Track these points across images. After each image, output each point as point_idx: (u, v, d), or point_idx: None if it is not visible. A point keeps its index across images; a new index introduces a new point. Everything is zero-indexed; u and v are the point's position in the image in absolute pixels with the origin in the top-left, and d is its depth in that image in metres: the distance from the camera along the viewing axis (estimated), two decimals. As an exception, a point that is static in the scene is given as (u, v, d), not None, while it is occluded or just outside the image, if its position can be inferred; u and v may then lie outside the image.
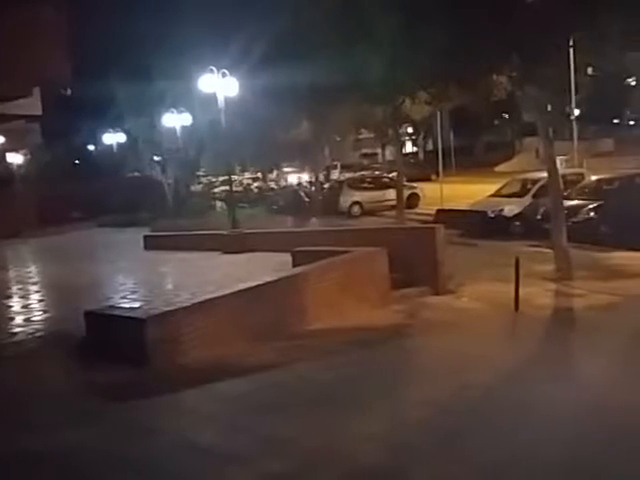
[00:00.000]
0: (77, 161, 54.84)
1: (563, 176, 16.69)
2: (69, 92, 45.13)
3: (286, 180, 49.16)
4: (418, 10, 13.96)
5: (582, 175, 23.02)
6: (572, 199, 18.60)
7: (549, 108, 15.87)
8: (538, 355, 9.01)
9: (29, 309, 13.51)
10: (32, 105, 16.32)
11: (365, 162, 59.21)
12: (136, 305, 12.05)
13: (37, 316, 12.51)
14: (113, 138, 44.47)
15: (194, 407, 7.60)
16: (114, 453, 6.38)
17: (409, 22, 14.38)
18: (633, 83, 49.04)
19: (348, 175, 40.47)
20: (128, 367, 8.49)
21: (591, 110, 46.85)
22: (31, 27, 12.93)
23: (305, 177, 37.91)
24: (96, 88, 35.34)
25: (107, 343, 9.29)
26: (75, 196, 40.61)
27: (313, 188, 35.00)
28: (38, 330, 11.19)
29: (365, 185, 33.10)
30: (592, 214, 18.19)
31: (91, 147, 55.93)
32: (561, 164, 26.54)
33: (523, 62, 13.54)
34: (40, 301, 14.61)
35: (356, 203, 31.22)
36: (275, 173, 54.07)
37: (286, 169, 53.17)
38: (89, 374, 8.73)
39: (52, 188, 39.78)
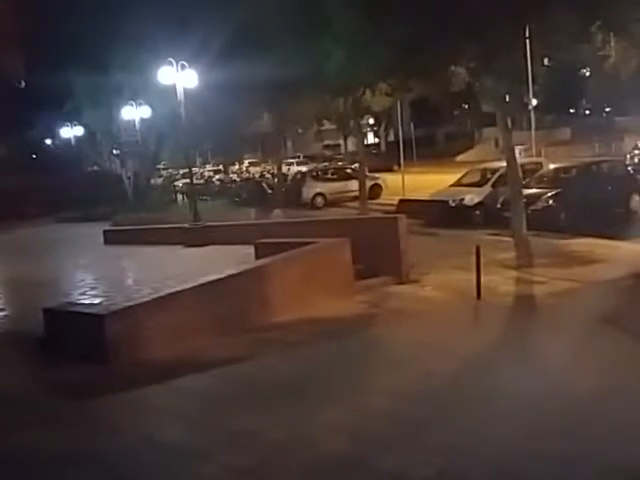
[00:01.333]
0: (34, 155, 53.90)
1: (522, 165, 16.87)
2: (23, 84, 44.27)
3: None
4: (376, 3, 13.94)
5: (540, 164, 23.30)
6: (531, 187, 18.81)
7: (507, 98, 15.99)
8: (501, 342, 9.09)
9: (-15, 307, 13.25)
10: (-15, 98, 16.03)
11: (328, 153, 59.28)
12: (96, 301, 11.88)
13: (-7, 314, 12.30)
14: (71, 132, 43.81)
15: (157, 403, 7.52)
16: (77, 452, 6.28)
17: (368, 13, 14.35)
18: (588, 73, 49.76)
19: (311, 166, 40.42)
20: (88, 365, 8.37)
21: (548, 100, 47.55)
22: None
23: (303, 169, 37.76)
24: (52, 81, 34.73)
25: (66, 340, 9.14)
26: (33, 191, 39.85)
27: (276, 180, 34.92)
28: (-5, 329, 11.00)
29: (328, 176, 33.13)
30: (551, 202, 18.43)
31: (49, 141, 55.04)
32: (520, 153, 26.91)
33: (480, 52, 13.61)
34: (-4, 298, 14.37)
35: (319, 194, 31.22)
36: (237, 165, 53.90)
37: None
38: (49, 373, 8.59)
39: (8, 183, 39.01)
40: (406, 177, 28.56)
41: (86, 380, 8.14)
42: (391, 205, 23.85)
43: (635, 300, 8.64)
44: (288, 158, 50.13)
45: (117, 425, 6.94)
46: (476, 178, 22.92)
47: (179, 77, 20.76)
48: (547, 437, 5.85)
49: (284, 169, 37.23)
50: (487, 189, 21.24)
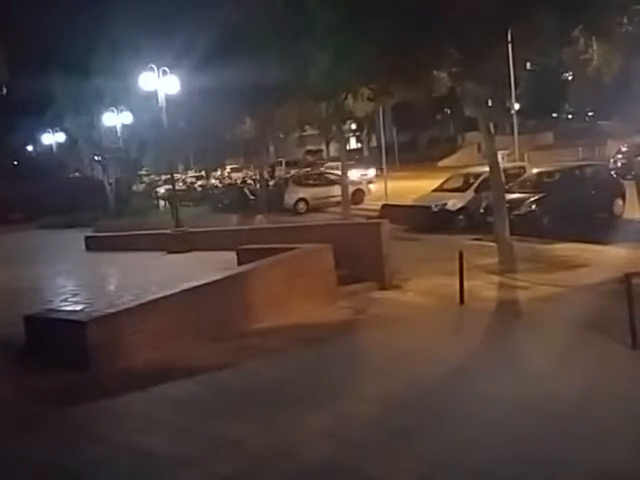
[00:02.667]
0: (16, 162, 53.61)
1: (505, 170, 16.89)
2: (5, 91, 44.03)
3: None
4: (359, 5, 13.95)
5: (523, 168, 23.40)
6: (514, 192, 18.86)
7: (490, 103, 16.03)
8: (484, 347, 9.09)
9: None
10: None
11: (310, 158, 59.26)
12: (78, 308, 11.76)
13: (-27, 322, 12.10)
14: (52, 138, 43.58)
15: (139, 411, 7.43)
16: (58, 461, 6.21)
17: (350, 18, 14.36)
18: (570, 77, 50.12)
19: (293, 172, 40.44)
20: (70, 372, 8.28)
21: (531, 104, 47.80)
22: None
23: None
24: (34, 87, 34.61)
25: (48, 348, 9.04)
26: (14, 198, 39.62)
27: (258, 185, 34.86)
28: (-25, 336, 10.82)
29: (310, 182, 33.12)
30: (534, 207, 18.48)
31: (30, 148, 54.76)
32: (502, 158, 27.03)
33: (463, 57, 13.65)
34: (-24, 306, 14.14)
35: (301, 200, 31.18)
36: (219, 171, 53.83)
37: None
38: (30, 380, 8.47)
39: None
40: (389, 182, 28.60)
41: (67, 387, 8.05)
42: (374, 210, 23.86)
43: (618, 304, 8.65)
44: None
45: (99, 432, 6.86)
46: (459, 183, 22.96)
47: (161, 83, 20.65)
48: (531, 442, 5.84)
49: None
50: (470, 194, 21.28)
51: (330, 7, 14.98)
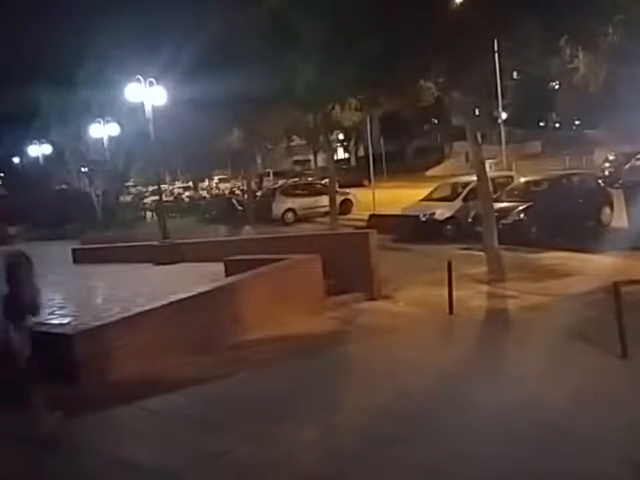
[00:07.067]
0: (2, 174, 53.40)
1: (492, 179, 16.98)
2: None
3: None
4: (344, 20, 13.97)
5: (511, 177, 23.49)
6: (502, 201, 18.91)
7: (477, 112, 16.09)
8: (473, 357, 9.06)
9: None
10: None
11: (298, 169, 59.33)
12: (65, 321, 11.66)
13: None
14: (39, 150, 43.40)
15: (126, 424, 7.36)
16: (45, 475, 6.15)
17: (335, 32, 14.37)
18: (557, 87, 50.45)
19: (281, 182, 40.48)
20: (57, 385, 8.16)
21: (518, 113, 48.11)
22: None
23: None
24: (20, 98, 34.40)
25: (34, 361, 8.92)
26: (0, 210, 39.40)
27: (246, 196, 34.84)
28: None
29: (298, 192, 33.13)
30: (522, 216, 18.53)
31: (16, 159, 54.52)
32: (490, 167, 27.16)
33: (449, 67, 13.68)
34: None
35: (289, 210, 31.20)
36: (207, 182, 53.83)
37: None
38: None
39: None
40: (377, 192, 28.63)
41: (54, 401, 7.93)
42: (362, 220, 23.87)
43: (606, 313, 8.65)
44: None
45: (85, 446, 6.77)
46: (447, 192, 23.02)
47: (147, 94, 20.60)
48: (519, 454, 5.79)
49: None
50: (458, 203, 21.33)
51: (315, 21, 14.99)
